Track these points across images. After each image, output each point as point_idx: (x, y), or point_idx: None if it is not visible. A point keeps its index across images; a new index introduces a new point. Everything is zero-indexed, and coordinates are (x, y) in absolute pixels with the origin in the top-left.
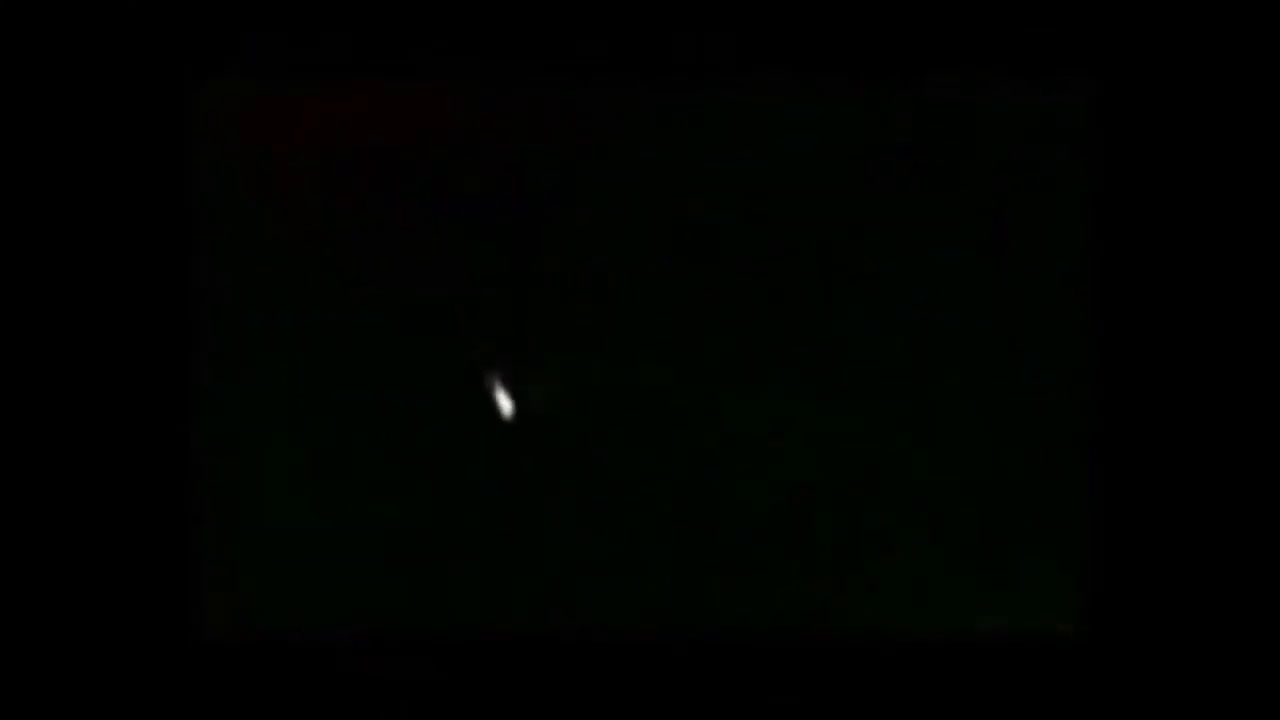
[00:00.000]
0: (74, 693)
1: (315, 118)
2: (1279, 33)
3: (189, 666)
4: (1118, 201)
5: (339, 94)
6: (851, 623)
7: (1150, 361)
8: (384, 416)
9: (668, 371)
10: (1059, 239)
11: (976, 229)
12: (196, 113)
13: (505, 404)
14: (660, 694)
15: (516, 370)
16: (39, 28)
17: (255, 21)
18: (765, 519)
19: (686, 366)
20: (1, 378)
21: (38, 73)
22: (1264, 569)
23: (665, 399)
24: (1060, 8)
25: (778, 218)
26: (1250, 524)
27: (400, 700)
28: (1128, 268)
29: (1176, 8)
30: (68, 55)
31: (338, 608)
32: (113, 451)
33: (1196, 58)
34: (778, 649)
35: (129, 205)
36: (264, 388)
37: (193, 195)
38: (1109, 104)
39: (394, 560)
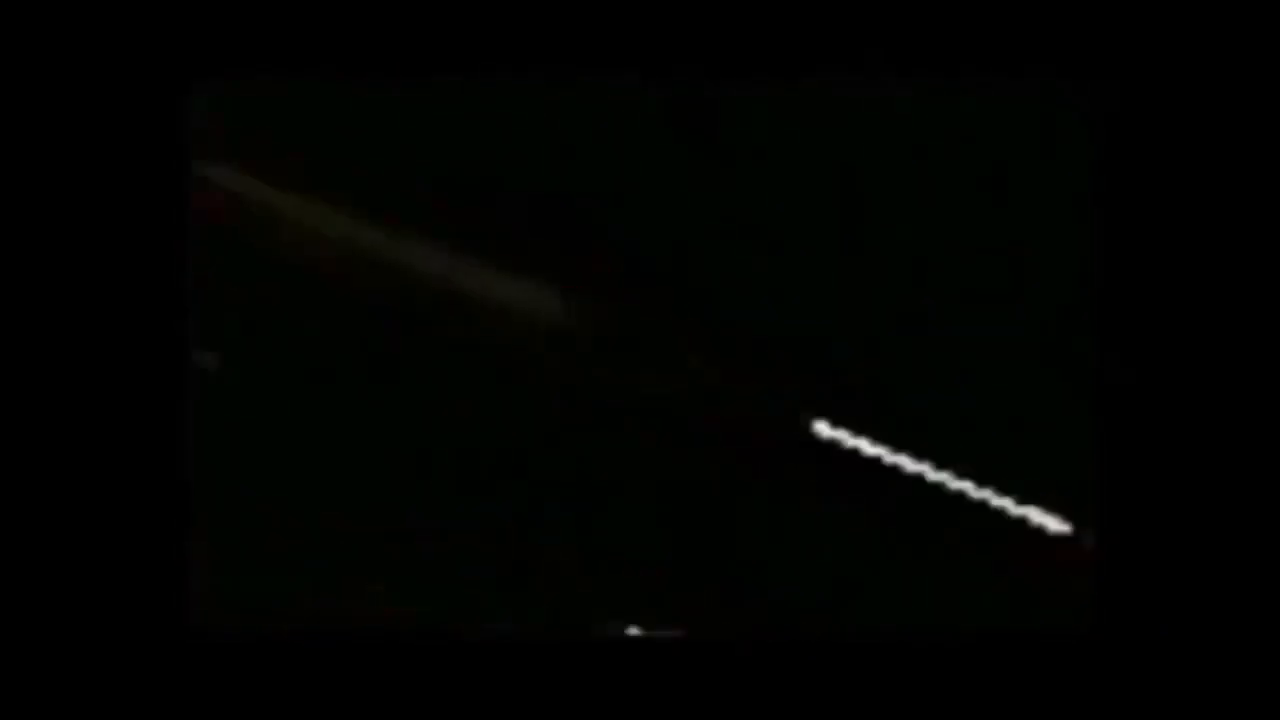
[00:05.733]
0: (67, 684)
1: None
2: (1278, 33)
3: (181, 658)
4: (1118, 201)
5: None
6: (860, 620)
7: (1153, 360)
8: (380, 414)
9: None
10: (1059, 239)
11: (976, 228)
12: (196, 112)
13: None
14: (659, 694)
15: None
16: (38, 27)
17: (255, 21)
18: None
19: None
20: None
21: (37, 72)
22: (1272, 566)
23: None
24: (1060, 10)
25: (777, 216)
26: (1259, 520)
27: (389, 696)
28: (1129, 268)
29: (1175, 10)
30: (67, 55)
31: (328, 602)
32: (107, 446)
33: (1195, 59)
34: (783, 647)
35: (126, 205)
36: (260, 386)
37: (191, 194)
38: (1107, 105)
39: (384, 557)
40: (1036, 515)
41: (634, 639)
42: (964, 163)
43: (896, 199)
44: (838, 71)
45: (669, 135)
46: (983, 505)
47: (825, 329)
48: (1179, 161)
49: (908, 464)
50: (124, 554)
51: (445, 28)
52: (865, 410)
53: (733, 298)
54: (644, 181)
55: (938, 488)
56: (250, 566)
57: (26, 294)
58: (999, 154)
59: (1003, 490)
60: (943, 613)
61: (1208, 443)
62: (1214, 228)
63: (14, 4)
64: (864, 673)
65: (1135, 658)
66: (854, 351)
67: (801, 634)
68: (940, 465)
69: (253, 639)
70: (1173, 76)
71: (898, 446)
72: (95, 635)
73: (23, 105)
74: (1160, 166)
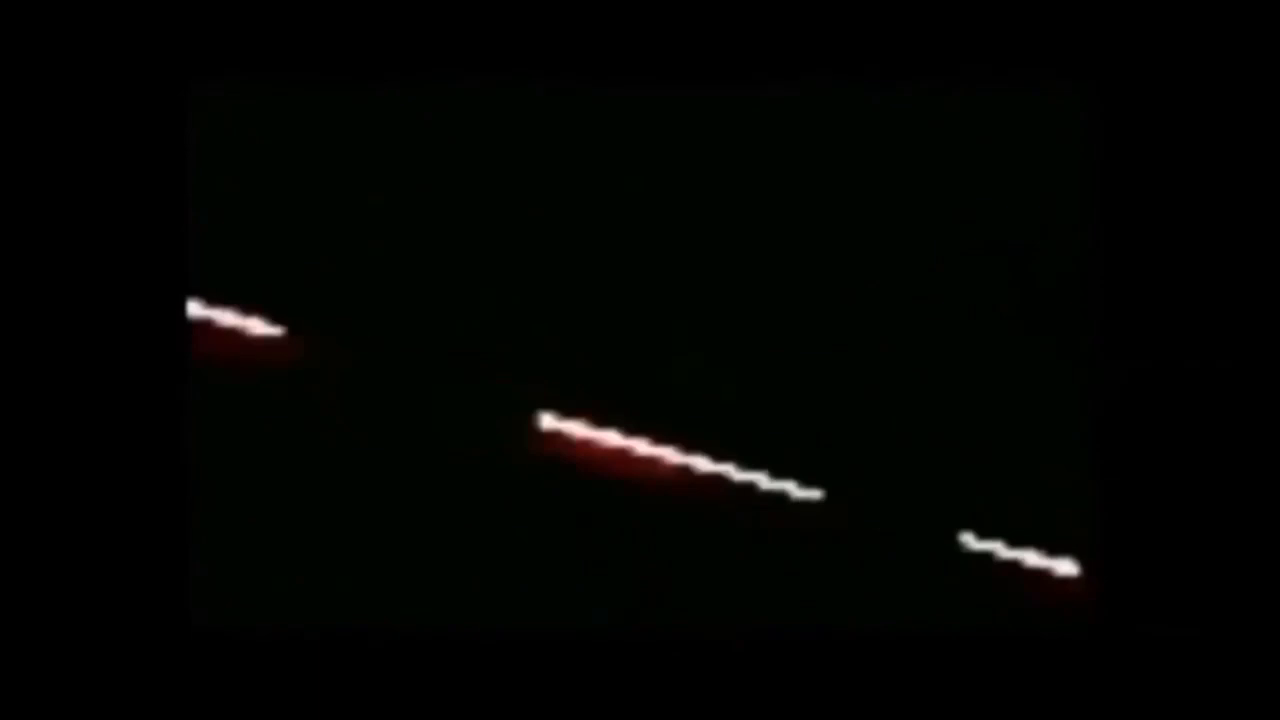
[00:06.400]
0: (69, 682)
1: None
2: (1270, 35)
3: (182, 655)
4: (1112, 198)
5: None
6: (863, 620)
7: (1152, 359)
8: (379, 414)
9: (668, 363)
10: (1058, 238)
11: (973, 226)
12: (196, 112)
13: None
14: (660, 693)
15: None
16: (40, 27)
17: (254, 22)
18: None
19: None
20: (0, 374)
21: (39, 72)
22: (1270, 566)
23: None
24: (1056, 13)
25: (777, 216)
26: (1257, 522)
27: (389, 696)
28: (1127, 267)
29: (1168, 13)
30: (68, 56)
31: (326, 603)
32: (109, 446)
33: (1187, 60)
34: (785, 646)
35: (127, 203)
36: (259, 385)
37: (191, 192)
38: (1103, 105)
39: (380, 558)
40: (1035, 557)
41: (633, 638)
42: (964, 163)
43: (896, 199)
44: (837, 71)
45: (670, 136)
46: (982, 498)
47: (825, 326)
48: (1177, 161)
49: (909, 461)
50: (125, 554)
51: (445, 30)
52: (865, 407)
53: (732, 297)
54: (645, 182)
55: (937, 483)
56: (250, 566)
57: (27, 294)
58: (999, 154)
59: (1000, 491)
60: (944, 614)
61: (1206, 443)
62: (1212, 226)
63: (14, 5)
64: (864, 672)
65: (1134, 659)
66: (851, 347)
67: (802, 635)
68: (940, 461)
69: (253, 639)
70: (1171, 77)
71: (899, 444)
72: (97, 635)
73: (24, 105)
74: (1158, 166)
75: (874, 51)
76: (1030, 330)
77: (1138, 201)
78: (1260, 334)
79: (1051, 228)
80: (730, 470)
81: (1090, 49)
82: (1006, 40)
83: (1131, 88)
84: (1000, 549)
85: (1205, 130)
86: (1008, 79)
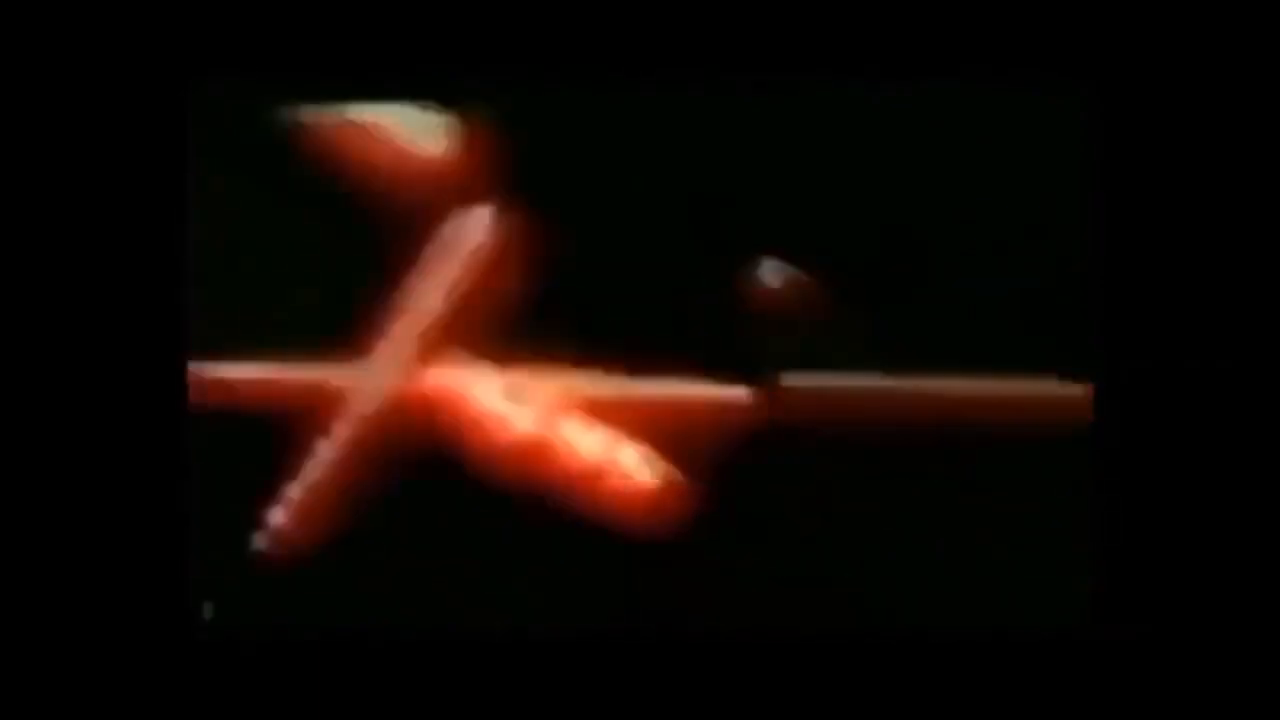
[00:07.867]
0: (69, 684)
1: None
2: (1270, 35)
3: (182, 655)
4: (1113, 198)
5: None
6: (857, 617)
7: (1152, 359)
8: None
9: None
10: (1055, 235)
11: (973, 225)
12: (196, 112)
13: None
14: (660, 693)
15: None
16: (37, 27)
17: (254, 21)
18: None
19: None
20: None
21: (36, 72)
22: (1270, 564)
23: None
24: (1056, 13)
25: (774, 214)
26: (1258, 522)
27: (390, 696)
28: (1126, 265)
29: (1168, 13)
30: (66, 55)
31: (333, 606)
32: (109, 447)
33: (1188, 60)
34: (781, 645)
35: (125, 205)
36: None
37: (191, 196)
38: (1103, 105)
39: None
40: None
41: (630, 639)
42: (964, 162)
43: (895, 199)
44: (837, 71)
45: (668, 136)
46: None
47: (825, 328)
48: (1178, 161)
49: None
50: (125, 554)
51: (447, 28)
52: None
53: (730, 299)
54: (645, 180)
55: (938, 482)
56: (251, 567)
57: (25, 296)
58: (999, 153)
59: (1001, 494)
60: (942, 610)
61: (1206, 443)
62: (1213, 226)
63: (13, 4)
64: (862, 670)
65: (1135, 658)
66: (852, 349)
67: (798, 631)
68: (940, 465)
69: (254, 639)
70: (1172, 77)
71: (900, 443)
72: (98, 635)
73: (21, 105)
74: (1159, 165)
75: (874, 51)
76: (1030, 330)
77: (1138, 201)
78: (1260, 334)
79: (1052, 227)
80: None
81: (1090, 49)
82: (1006, 40)
83: (1131, 88)
84: (1000, 555)
85: (1206, 130)
86: (1008, 79)
